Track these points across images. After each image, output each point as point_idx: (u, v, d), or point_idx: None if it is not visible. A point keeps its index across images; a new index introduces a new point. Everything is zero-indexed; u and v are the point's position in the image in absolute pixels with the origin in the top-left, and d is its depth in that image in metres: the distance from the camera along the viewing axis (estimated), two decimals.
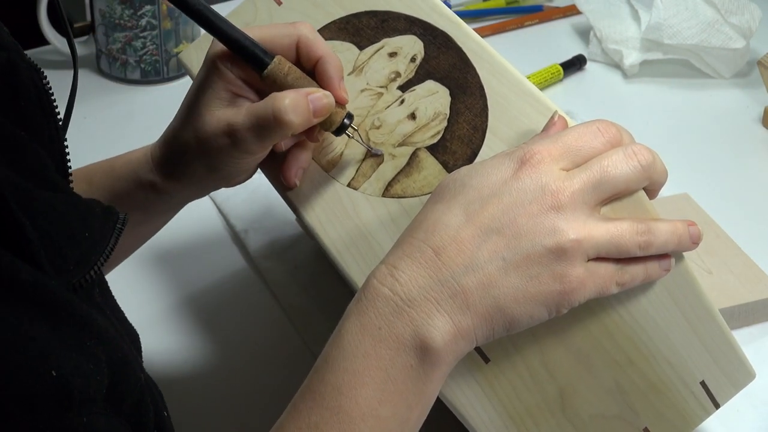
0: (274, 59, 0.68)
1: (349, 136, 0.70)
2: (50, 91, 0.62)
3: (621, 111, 1.21)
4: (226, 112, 0.69)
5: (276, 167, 0.73)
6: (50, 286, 0.49)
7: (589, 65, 1.28)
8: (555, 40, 1.34)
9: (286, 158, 0.72)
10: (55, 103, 0.62)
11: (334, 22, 0.76)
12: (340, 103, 0.69)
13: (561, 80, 1.25)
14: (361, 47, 0.74)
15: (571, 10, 1.37)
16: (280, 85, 0.68)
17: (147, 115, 1.18)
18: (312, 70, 0.69)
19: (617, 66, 1.28)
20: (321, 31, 0.76)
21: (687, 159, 1.14)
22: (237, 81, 0.69)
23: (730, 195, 1.09)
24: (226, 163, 0.70)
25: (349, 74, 0.74)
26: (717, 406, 0.69)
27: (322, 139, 0.72)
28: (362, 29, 0.75)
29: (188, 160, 0.72)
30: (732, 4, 1.20)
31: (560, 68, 1.25)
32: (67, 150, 0.63)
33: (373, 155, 0.70)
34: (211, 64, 0.69)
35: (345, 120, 0.69)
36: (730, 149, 1.16)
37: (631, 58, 1.25)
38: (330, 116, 0.68)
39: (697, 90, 1.25)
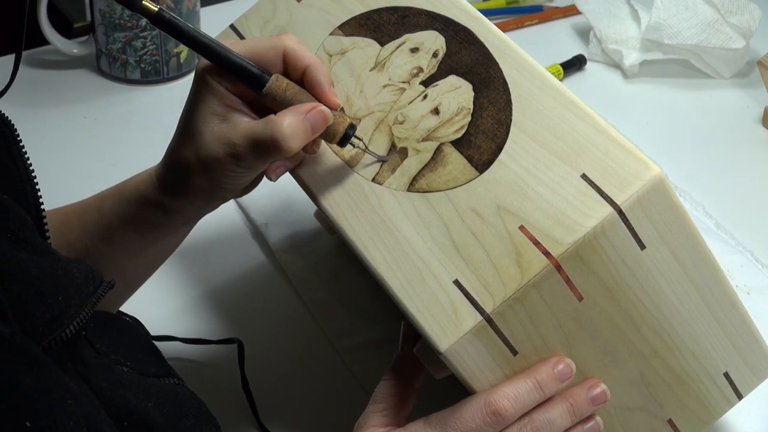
0: (272, 77, 0.68)
1: (353, 146, 0.70)
2: (18, 139, 0.64)
3: (621, 111, 1.21)
4: (223, 129, 0.69)
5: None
6: (27, 342, 0.50)
7: (589, 65, 1.29)
8: (555, 40, 1.34)
9: None
10: (24, 150, 0.64)
11: (354, 18, 0.76)
12: (332, 108, 0.69)
13: (561, 80, 1.25)
14: (382, 43, 0.74)
15: (571, 10, 1.38)
16: (280, 102, 0.68)
17: (147, 115, 1.18)
18: (300, 80, 0.70)
19: (617, 66, 1.28)
20: (341, 27, 0.76)
21: (687, 159, 1.14)
22: (228, 95, 0.69)
23: (730, 195, 1.09)
24: (229, 177, 0.71)
25: (371, 70, 0.74)
26: (740, 397, 0.69)
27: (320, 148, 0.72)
28: (383, 25, 0.75)
29: (190, 176, 0.72)
30: (732, 4, 1.21)
31: (560, 68, 1.26)
32: (39, 195, 0.65)
33: (381, 161, 0.70)
34: (201, 80, 0.70)
35: (348, 130, 0.69)
36: (730, 149, 1.17)
37: (631, 58, 1.25)
38: (332, 128, 0.69)
39: (697, 90, 1.25)
